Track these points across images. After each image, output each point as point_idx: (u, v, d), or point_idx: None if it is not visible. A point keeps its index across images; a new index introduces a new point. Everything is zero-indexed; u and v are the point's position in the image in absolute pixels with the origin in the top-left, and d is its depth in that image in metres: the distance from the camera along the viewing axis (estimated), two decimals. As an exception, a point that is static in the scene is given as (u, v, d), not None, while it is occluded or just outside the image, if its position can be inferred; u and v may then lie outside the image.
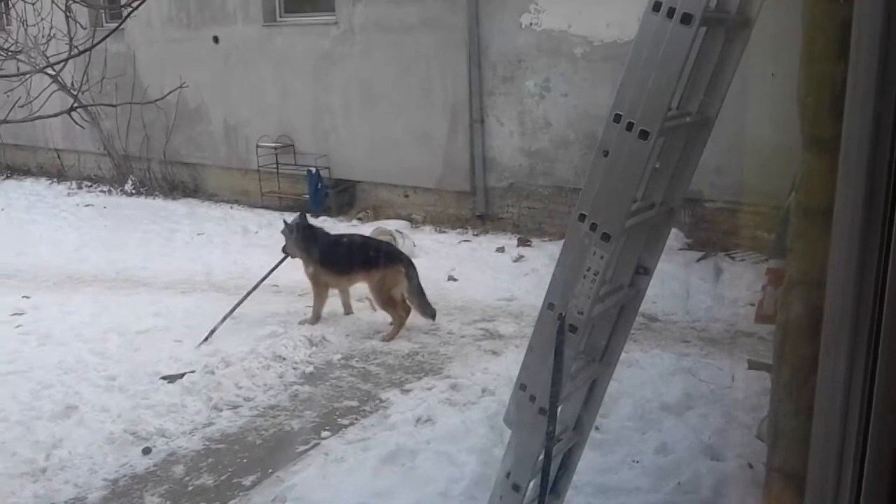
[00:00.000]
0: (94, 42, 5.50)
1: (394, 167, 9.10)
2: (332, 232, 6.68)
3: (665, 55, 2.06)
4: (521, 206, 8.41)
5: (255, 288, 6.06)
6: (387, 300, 5.86)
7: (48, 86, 7.71)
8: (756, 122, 6.24)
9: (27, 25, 8.37)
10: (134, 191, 10.89)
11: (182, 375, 5.10)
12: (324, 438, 4.41)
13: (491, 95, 8.31)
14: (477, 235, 8.41)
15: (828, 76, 1.83)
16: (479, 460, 3.83)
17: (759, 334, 5.19)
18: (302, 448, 4.32)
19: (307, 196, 9.41)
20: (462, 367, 5.25)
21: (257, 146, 9.79)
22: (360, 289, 6.26)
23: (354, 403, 4.84)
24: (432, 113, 8.65)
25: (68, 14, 6.29)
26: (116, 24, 6.17)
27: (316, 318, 6.07)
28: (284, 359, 5.38)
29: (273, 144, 9.74)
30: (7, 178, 12.50)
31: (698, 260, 6.97)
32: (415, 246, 7.53)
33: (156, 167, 10.99)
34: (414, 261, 6.14)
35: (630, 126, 2.11)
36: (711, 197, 7.17)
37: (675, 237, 6.93)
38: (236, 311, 5.90)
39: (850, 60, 1.12)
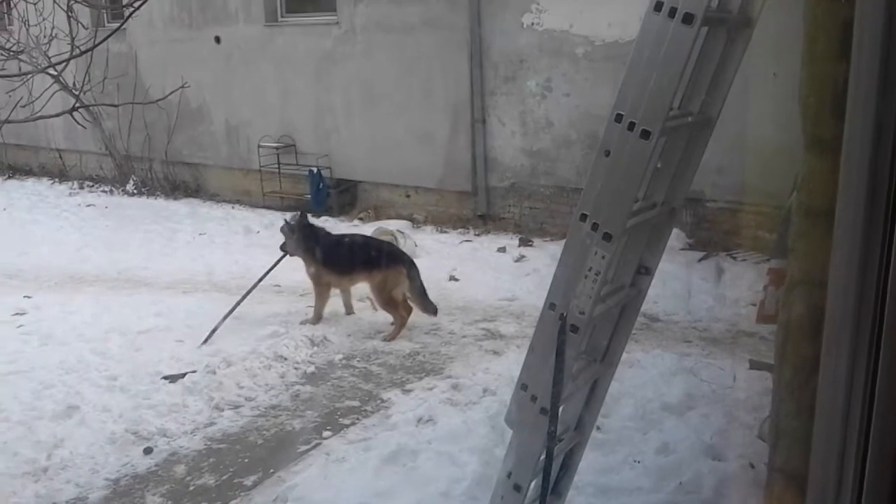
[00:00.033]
0: (96, 42, 5.51)
1: (395, 167, 9.10)
2: (334, 232, 6.68)
3: (667, 55, 2.06)
4: (522, 206, 8.41)
5: (254, 287, 6.06)
6: (388, 300, 5.86)
7: (50, 86, 7.72)
8: (758, 122, 6.23)
9: (29, 25, 8.39)
10: (135, 191, 10.89)
11: (183, 375, 5.10)
12: (325, 438, 4.41)
13: (492, 95, 8.31)
14: (478, 235, 8.41)
15: (829, 76, 1.83)
16: (480, 460, 3.82)
17: (760, 334, 5.19)
18: (303, 448, 4.32)
19: (309, 196, 9.42)
20: (463, 368, 5.25)
21: (259, 146, 9.79)
22: (362, 289, 6.27)
23: (356, 403, 4.84)
24: (434, 113, 8.64)
25: (70, 14, 6.30)
26: (118, 24, 6.17)
27: (317, 318, 6.07)
28: (286, 359, 5.38)
29: (275, 144, 9.74)
30: (9, 178, 12.51)
31: (700, 260, 6.96)
32: (416, 246, 7.53)
33: (157, 167, 11.00)
34: (415, 261, 6.14)
35: (632, 126, 2.11)
36: (713, 197, 7.17)
37: (676, 237, 6.93)
38: (238, 310, 5.90)
39: (852, 60, 1.12)
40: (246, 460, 4.24)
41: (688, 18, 2.02)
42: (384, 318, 6.02)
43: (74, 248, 8.63)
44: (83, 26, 6.45)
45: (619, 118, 2.13)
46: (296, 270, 6.27)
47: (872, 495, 1.13)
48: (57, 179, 12.02)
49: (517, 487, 2.49)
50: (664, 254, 2.62)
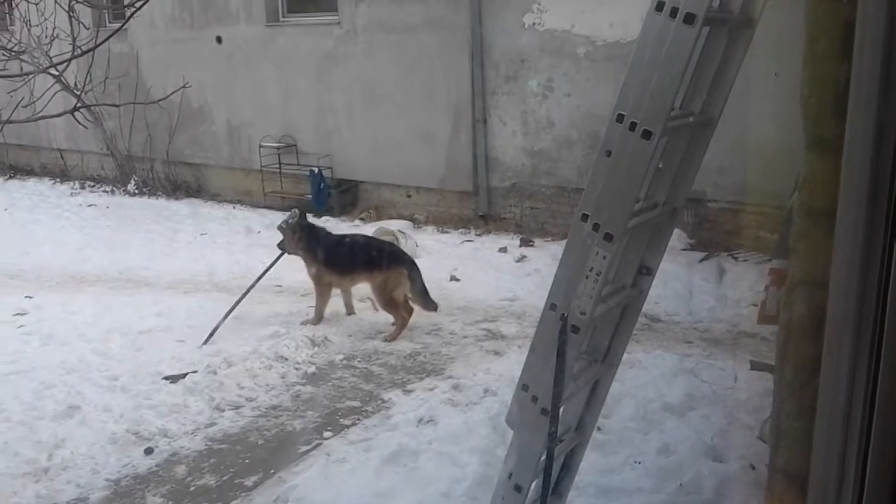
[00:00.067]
0: (98, 42, 5.51)
1: (396, 167, 9.10)
2: (335, 232, 6.68)
3: (668, 55, 2.06)
4: (523, 207, 8.40)
5: (252, 285, 6.06)
6: (389, 301, 5.86)
7: (51, 86, 7.71)
8: (759, 122, 6.23)
9: (30, 25, 8.40)
10: (137, 191, 10.90)
11: (184, 375, 5.10)
12: (326, 439, 4.41)
13: (494, 95, 8.31)
14: (479, 235, 8.40)
15: (831, 76, 1.83)
16: (481, 461, 3.82)
17: (761, 335, 5.19)
18: (304, 448, 4.32)
19: (310, 196, 9.42)
20: (464, 368, 5.25)
21: (260, 146, 9.79)
22: (362, 289, 6.27)
23: (356, 404, 4.84)
24: (435, 113, 8.64)
25: (71, 14, 6.29)
26: (120, 25, 6.16)
27: (318, 318, 6.07)
28: (287, 359, 5.38)
29: (276, 144, 9.74)
30: (10, 178, 12.52)
31: (701, 260, 6.96)
32: (417, 246, 7.53)
33: (159, 167, 11.00)
34: (416, 261, 6.14)
35: (633, 126, 2.11)
36: (714, 197, 7.16)
37: (677, 237, 6.92)
38: (238, 311, 5.90)
39: (854, 61, 1.12)
40: (247, 461, 4.24)
41: (689, 18, 2.02)
42: (385, 318, 6.02)
43: (76, 248, 8.64)
44: (84, 26, 6.45)
45: (620, 118, 2.13)
46: (297, 271, 6.27)
47: (873, 496, 1.13)
48: (58, 179, 12.03)
49: (518, 488, 2.49)
50: (665, 254, 2.62)
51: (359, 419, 4.63)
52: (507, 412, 2.51)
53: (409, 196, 9.18)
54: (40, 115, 6.20)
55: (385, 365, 5.40)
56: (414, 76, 8.70)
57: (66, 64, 5.75)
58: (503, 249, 7.81)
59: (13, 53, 6.38)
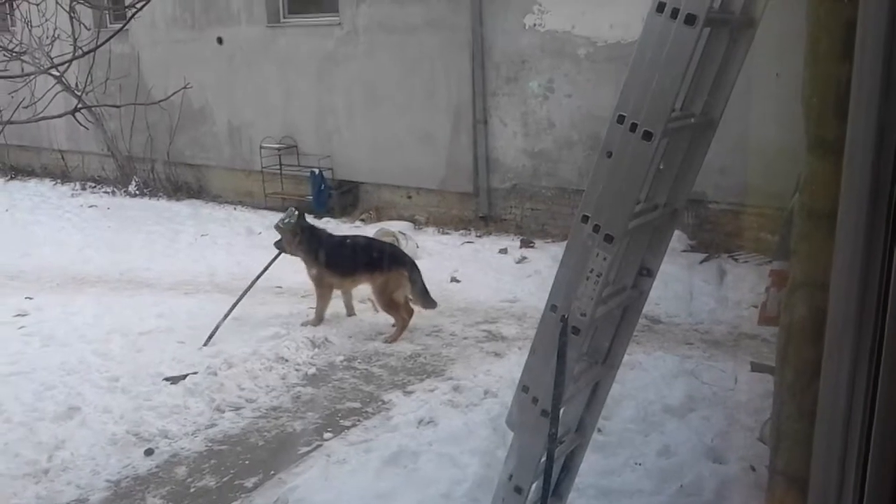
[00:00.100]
0: (99, 43, 5.51)
1: (397, 168, 9.10)
2: (336, 233, 6.68)
3: (669, 56, 2.05)
4: (524, 208, 8.40)
5: (251, 285, 6.05)
6: (389, 302, 5.86)
7: (52, 87, 7.72)
8: (760, 123, 6.23)
9: (31, 26, 8.42)
10: (137, 192, 10.90)
11: (185, 377, 5.10)
12: (326, 440, 4.41)
13: (494, 96, 8.31)
14: (480, 237, 8.40)
15: (832, 77, 1.82)
16: (481, 462, 3.82)
17: (762, 336, 5.18)
18: (304, 450, 4.32)
19: (310, 197, 9.42)
20: (464, 369, 5.25)
21: (261, 147, 9.79)
22: (363, 290, 6.26)
23: (357, 405, 4.84)
24: (436, 114, 8.64)
25: (72, 15, 6.30)
26: (121, 25, 6.16)
27: (319, 319, 6.07)
28: (287, 360, 5.38)
29: (277, 145, 9.74)
30: (11, 178, 12.52)
31: (701, 262, 6.95)
32: (418, 247, 7.53)
33: (159, 168, 11.01)
34: (417, 262, 6.14)
35: (634, 127, 2.11)
36: (715, 198, 7.16)
37: (678, 239, 6.92)
38: (239, 312, 5.90)
39: (855, 61, 1.11)
40: (247, 462, 4.24)
41: (690, 19, 2.02)
42: (385, 319, 6.01)
43: (76, 248, 8.64)
44: (85, 27, 6.46)
45: (621, 119, 2.13)
46: (297, 272, 6.27)
47: (874, 498, 1.13)
48: (59, 180, 12.03)
49: (518, 489, 2.49)
50: (666, 255, 2.61)
51: (359, 420, 4.63)
52: (507, 413, 2.51)
53: (409, 197, 9.18)
54: (41, 115, 6.21)
55: (385, 366, 5.40)
56: (415, 77, 8.70)
57: (67, 65, 5.76)
58: (504, 251, 7.81)
59: (14, 54, 6.39)
